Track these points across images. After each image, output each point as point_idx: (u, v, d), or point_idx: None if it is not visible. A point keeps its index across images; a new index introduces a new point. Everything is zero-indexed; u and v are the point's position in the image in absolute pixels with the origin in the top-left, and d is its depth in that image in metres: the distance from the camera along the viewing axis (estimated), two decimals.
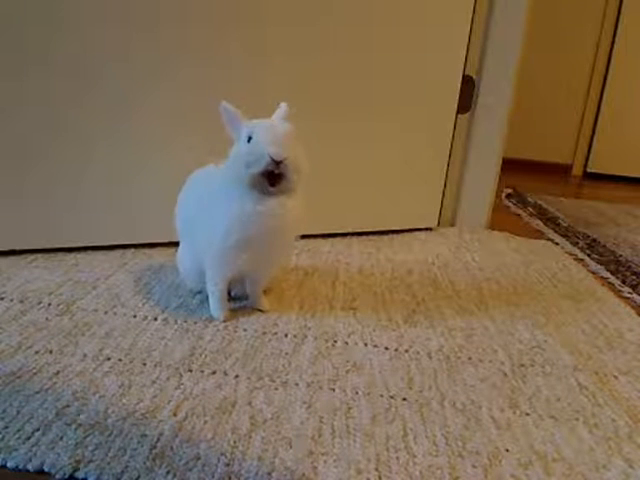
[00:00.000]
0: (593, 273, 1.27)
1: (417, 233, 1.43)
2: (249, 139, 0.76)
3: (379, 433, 0.62)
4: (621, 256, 1.43)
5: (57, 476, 0.52)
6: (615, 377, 0.79)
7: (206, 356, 0.75)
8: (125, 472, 0.53)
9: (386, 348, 0.81)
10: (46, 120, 1.00)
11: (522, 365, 0.80)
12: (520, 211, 1.87)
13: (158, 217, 1.11)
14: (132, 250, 1.12)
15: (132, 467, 0.53)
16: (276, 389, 0.68)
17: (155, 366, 0.71)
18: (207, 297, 0.88)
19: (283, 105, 0.85)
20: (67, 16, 0.96)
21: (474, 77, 1.40)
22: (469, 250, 1.33)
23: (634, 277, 1.26)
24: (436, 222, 1.48)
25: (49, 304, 0.86)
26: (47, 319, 0.81)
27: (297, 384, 0.70)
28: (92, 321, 0.82)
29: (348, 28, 1.19)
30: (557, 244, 1.49)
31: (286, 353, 0.77)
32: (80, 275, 0.97)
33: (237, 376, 0.70)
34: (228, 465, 0.55)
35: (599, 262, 1.36)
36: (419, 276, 1.13)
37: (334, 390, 0.69)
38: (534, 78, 2.79)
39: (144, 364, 0.71)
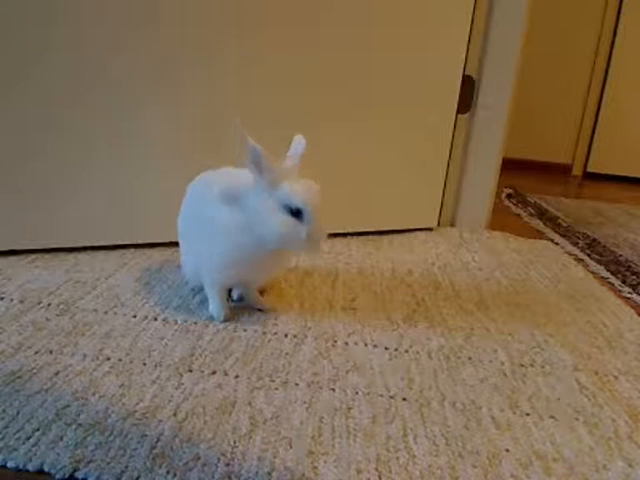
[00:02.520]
0: (593, 273, 1.27)
1: (417, 233, 1.43)
2: (296, 212, 0.74)
3: (379, 433, 0.62)
4: (621, 256, 1.43)
5: (57, 476, 0.52)
6: (615, 377, 0.79)
7: (206, 356, 0.75)
8: (125, 472, 0.53)
9: (386, 348, 0.81)
10: (46, 120, 1.00)
11: (522, 365, 0.80)
12: (520, 211, 1.87)
13: (158, 217, 1.11)
14: (132, 250, 1.12)
15: (132, 467, 0.53)
16: (276, 389, 0.68)
17: (155, 366, 0.71)
18: (207, 298, 0.88)
19: (302, 140, 0.82)
20: (67, 16, 0.96)
21: (474, 77, 1.40)
22: (469, 250, 1.33)
23: (634, 277, 1.26)
24: (436, 222, 1.48)
25: (49, 304, 0.86)
26: (47, 319, 0.81)
27: (297, 384, 0.70)
28: (92, 321, 0.82)
29: (348, 28, 1.19)
30: (557, 244, 1.49)
31: (286, 353, 0.77)
32: (80, 275, 0.97)
33: (237, 376, 0.70)
34: (228, 465, 0.55)
35: (599, 262, 1.36)
36: (419, 276, 1.13)
37: (334, 390, 0.69)
38: (534, 78, 2.79)
39: (144, 364, 0.71)
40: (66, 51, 0.98)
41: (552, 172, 2.96)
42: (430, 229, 1.47)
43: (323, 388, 0.69)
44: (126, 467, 0.53)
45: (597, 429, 0.67)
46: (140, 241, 1.13)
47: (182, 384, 0.68)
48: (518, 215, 1.82)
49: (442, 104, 1.37)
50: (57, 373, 0.68)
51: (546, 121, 2.95)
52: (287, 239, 0.75)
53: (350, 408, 0.66)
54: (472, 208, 1.51)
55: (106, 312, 0.85)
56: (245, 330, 0.83)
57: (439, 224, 1.49)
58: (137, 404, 0.63)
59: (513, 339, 0.88)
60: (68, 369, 0.69)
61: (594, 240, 1.57)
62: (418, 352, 0.81)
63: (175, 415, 0.62)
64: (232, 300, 0.92)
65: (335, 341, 0.82)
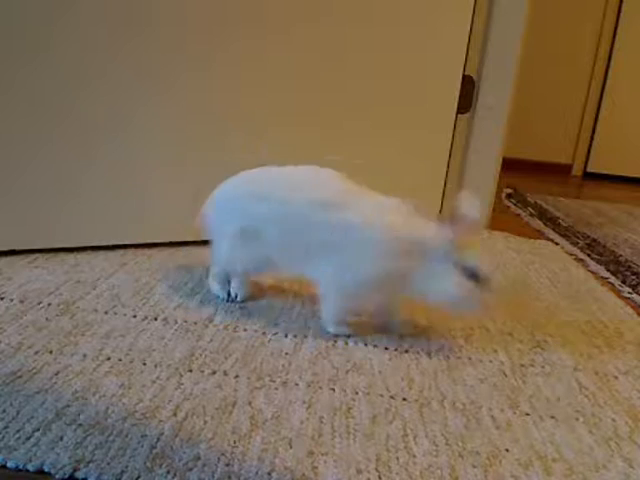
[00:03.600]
0: (593, 273, 1.27)
1: None
2: (476, 278, 0.73)
3: (379, 433, 0.62)
4: (621, 256, 1.43)
5: (57, 476, 0.52)
6: (615, 377, 0.79)
7: (206, 356, 0.75)
8: (125, 472, 0.53)
9: (386, 348, 0.81)
10: (46, 120, 1.00)
11: (522, 365, 0.80)
12: (520, 211, 1.87)
13: (158, 217, 1.11)
14: (132, 250, 1.11)
15: (132, 467, 0.53)
16: (276, 389, 0.68)
17: (155, 366, 0.71)
18: (207, 298, 0.88)
19: (474, 202, 0.74)
20: (67, 17, 0.96)
21: (474, 77, 1.40)
22: None
23: (634, 277, 1.26)
24: None
25: (49, 304, 0.86)
26: (47, 319, 0.81)
27: (297, 384, 0.70)
28: (92, 321, 0.82)
29: (348, 28, 1.19)
30: (557, 244, 1.49)
31: (286, 353, 0.77)
32: (80, 275, 0.97)
33: (237, 376, 0.70)
34: (228, 465, 0.55)
35: (599, 262, 1.36)
36: None
37: (334, 390, 0.69)
38: (534, 78, 2.79)
39: (144, 364, 0.71)
40: (67, 50, 0.98)
41: (552, 172, 2.96)
42: None
43: (323, 388, 0.69)
44: (126, 467, 0.53)
45: (597, 429, 0.67)
46: (140, 241, 1.13)
47: (182, 384, 0.68)
48: (518, 215, 1.82)
49: (442, 104, 1.37)
50: (57, 373, 0.68)
51: (546, 121, 2.95)
52: (462, 303, 0.75)
53: (350, 408, 0.66)
54: None
55: (106, 312, 0.85)
56: (245, 330, 0.83)
57: None
58: (137, 404, 0.63)
59: (513, 339, 0.88)
60: (68, 369, 0.69)
61: (594, 240, 1.57)
62: (418, 352, 0.81)
63: (175, 415, 0.62)
64: (234, 300, 0.91)
65: (335, 341, 0.82)
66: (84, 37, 0.98)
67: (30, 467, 0.53)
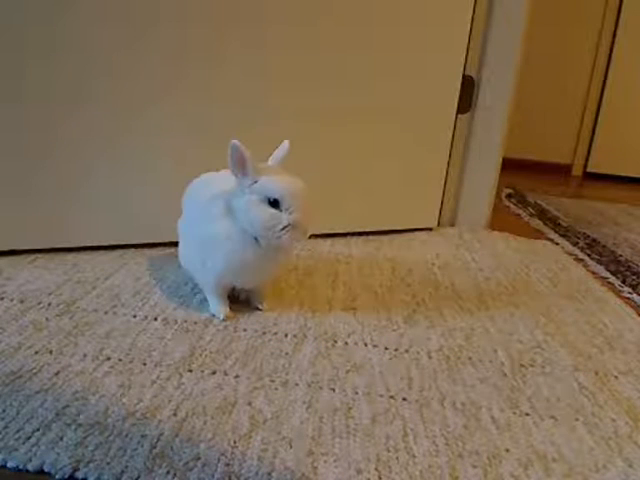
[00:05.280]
0: (593, 273, 1.27)
1: (417, 233, 1.43)
2: (274, 202, 0.76)
3: (379, 433, 0.62)
4: (621, 256, 1.43)
5: (57, 476, 0.52)
6: (615, 377, 0.79)
7: (206, 356, 0.75)
8: (125, 472, 0.53)
9: (386, 348, 0.81)
10: (47, 120, 1.00)
11: (522, 365, 0.80)
12: (520, 211, 1.87)
13: (158, 217, 1.11)
14: (132, 250, 1.12)
15: (132, 467, 0.53)
16: (276, 389, 0.68)
17: (155, 366, 0.71)
18: (207, 298, 0.88)
19: (286, 144, 0.84)
20: (69, 18, 0.96)
21: (474, 77, 1.40)
22: (469, 250, 1.33)
23: (634, 277, 1.26)
24: (436, 222, 1.48)
25: (49, 304, 0.86)
26: (47, 319, 0.81)
27: (297, 384, 0.70)
28: (92, 321, 0.82)
29: (348, 28, 1.19)
30: (557, 244, 1.49)
31: (286, 353, 0.77)
32: (80, 275, 0.97)
33: (237, 376, 0.70)
34: (228, 465, 0.55)
35: (599, 262, 1.36)
36: (419, 276, 1.13)
37: (334, 390, 0.69)
38: (534, 78, 2.79)
39: (144, 364, 0.71)
40: (69, 51, 0.98)
41: (552, 172, 2.95)
42: (430, 229, 1.47)
43: (323, 388, 0.69)
44: (126, 467, 0.53)
45: (597, 429, 0.67)
46: (140, 241, 1.13)
47: (182, 384, 0.68)
48: (518, 215, 1.82)
49: (442, 104, 1.37)
50: (57, 373, 0.68)
51: (546, 121, 2.95)
52: (269, 228, 0.77)
53: (350, 408, 0.66)
54: (472, 208, 1.51)
55: (106, 312, 0.85)
56: (245, 330, 0.83)
57: (439, 224, 1.49)
58: (137, 404, 0.63)
59: (513, 339, 0.88)
60: (68, 369, 0.69)
61: (594, 240, 1.57)
62: (418, 352, 0.81)
63: (175, 415, 0.62)
64: (239, 301, 0.91)
65: (335, 341, 0.82)
66: (89, 40, 0.98)
67: (30, 467, 0.53)
